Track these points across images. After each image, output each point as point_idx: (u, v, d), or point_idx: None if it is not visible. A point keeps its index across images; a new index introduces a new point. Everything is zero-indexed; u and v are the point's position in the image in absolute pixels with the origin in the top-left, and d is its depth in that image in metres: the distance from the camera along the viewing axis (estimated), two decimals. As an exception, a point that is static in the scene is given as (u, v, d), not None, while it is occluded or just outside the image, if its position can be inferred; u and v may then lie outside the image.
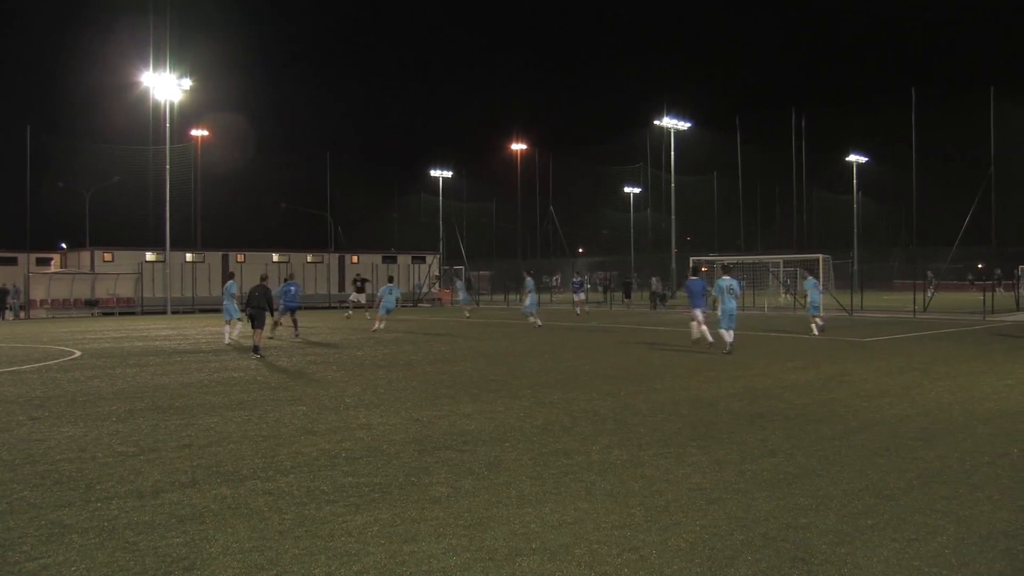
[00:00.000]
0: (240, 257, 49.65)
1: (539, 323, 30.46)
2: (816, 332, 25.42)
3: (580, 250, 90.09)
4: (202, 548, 6.02)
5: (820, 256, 41.56)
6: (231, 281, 25.73)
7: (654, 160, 72.22)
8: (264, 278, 22.13)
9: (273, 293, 22.67)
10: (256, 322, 20.84)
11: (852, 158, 71.28)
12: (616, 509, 6.92)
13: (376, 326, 28.91)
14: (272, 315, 22.84)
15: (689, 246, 72.60)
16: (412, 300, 54.41)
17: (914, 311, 35.54)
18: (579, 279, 43.58)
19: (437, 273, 60.54)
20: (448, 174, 77.53)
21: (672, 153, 59.50)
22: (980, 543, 6.06)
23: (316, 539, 6.22)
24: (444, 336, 27.02)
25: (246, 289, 24.48)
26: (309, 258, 54.20)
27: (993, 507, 6.96)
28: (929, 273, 53.18)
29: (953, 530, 6.34)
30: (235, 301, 24.89)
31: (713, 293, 21.33)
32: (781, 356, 19.66)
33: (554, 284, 72.19)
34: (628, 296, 51.16)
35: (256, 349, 20.53)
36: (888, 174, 67.62)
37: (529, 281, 32.56)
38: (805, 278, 30.98)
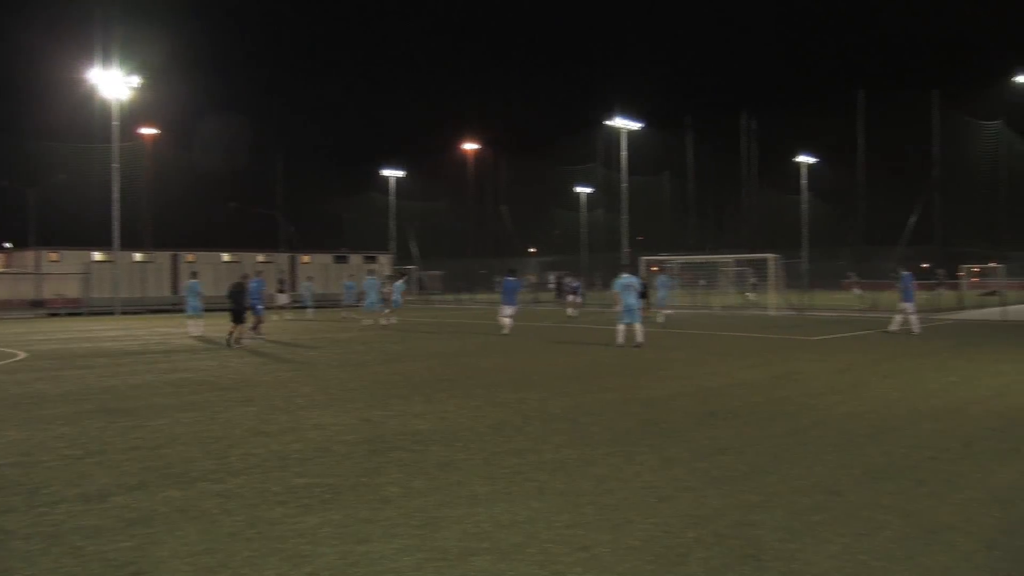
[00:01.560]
0: (190, 257, 49.08)
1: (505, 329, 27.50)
2: (655, 323, 27.83)
3: (532, 249, 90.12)
4: (150, 552, 5.95)
5: (770, 256, 41.98)
6: (195, 280, 27.55)
7: (606, 160, 72.51)
8: (244, 276, 24.84)
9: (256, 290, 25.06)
10: (235, 317, 23.34)
11: (801, 159, 72.15)
12: (568, 508, 6.95)
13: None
14: (249, 312, 24.45)
15: (641, 246, 72.97)
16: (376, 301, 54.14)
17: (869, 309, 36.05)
18: (576, 283, 43.34)
19: (388, 273, 60.39)
20: (400, 174, 77.21)
21: (624, 153, 59.75)
22: (924, 536, 6.18)
23: (267, 541, 6.17)
24: (396, 336, 26.93)
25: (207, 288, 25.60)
26: (260, 258, 53.70)
27: (937, 501, 7.10)
28: (852, 274, 54.02)
29: (899, 524, 6.46)
30: (199, 299, 26.80)
31: (614, 289, 22.07)
32: (732, 355, 19.86)
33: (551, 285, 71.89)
34: (561, 296, 51.55)
35: (236, 341, 23.04)
36: (836, 175, 68.50)
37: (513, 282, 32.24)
38: (657, 276, 32.65)
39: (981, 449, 9.19)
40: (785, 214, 74.62)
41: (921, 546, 5.97)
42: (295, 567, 5.64)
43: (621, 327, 21.88)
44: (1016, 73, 44.70)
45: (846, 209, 70.23)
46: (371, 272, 34.14)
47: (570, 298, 39.95)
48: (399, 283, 35.98)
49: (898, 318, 26.39)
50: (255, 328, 25.82)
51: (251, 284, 25.58)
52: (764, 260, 42.42)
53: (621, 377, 15.79)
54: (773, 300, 40.38)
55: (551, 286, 53.59)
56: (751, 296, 45.12)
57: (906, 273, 26.39)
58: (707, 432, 10.20)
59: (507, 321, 26.78)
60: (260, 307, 25.68)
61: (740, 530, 6.32)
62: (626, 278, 22.06)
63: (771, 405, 12.33)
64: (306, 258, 55.82)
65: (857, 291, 46.88)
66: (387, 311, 32.56)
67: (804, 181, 70.99)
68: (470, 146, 77.69)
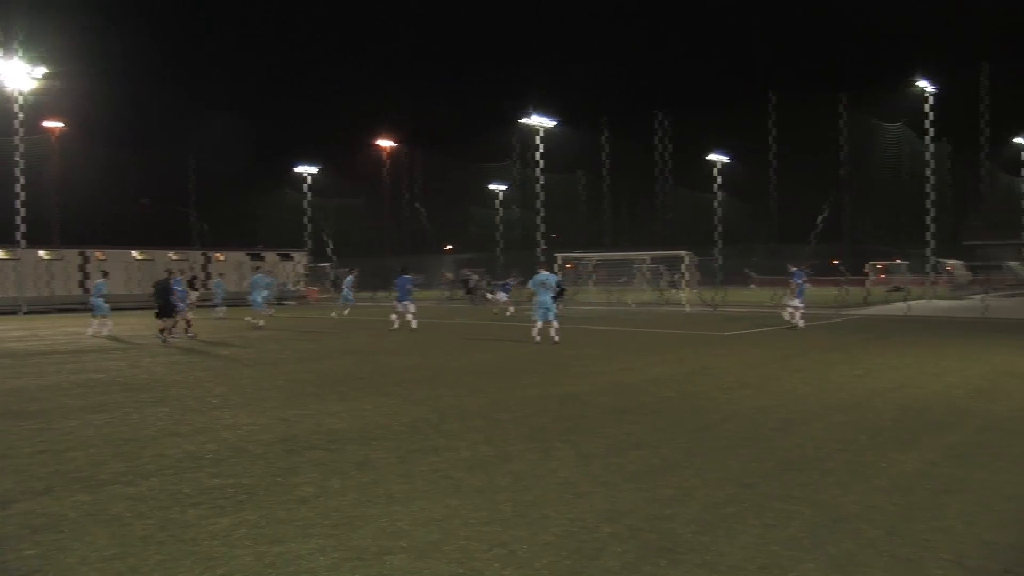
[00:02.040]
0: (100, 255, 47.71)
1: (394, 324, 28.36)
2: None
3: (447, 247, 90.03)
4: (57, 559, 5.79)
5: (684, 253, 42.59)
6: (101, 280, 27.16)
7: (522, 158, 72.79)
8: (169, 272, 25.35)
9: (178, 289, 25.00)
10: (161, 312, 23.99)
11: (714, 157, 73.25)
12: (485, 505, 6.97)
13: (260, 323, 30.37)
14: (174, 309, 24.56)
15: (556, 243, 73.34)
16: (279, 298, 53.62)
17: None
18: (506, 282, 43.30)
19: (303, 271, 59.80)
20: (315, 171, 76.34)
21: (539, 151, 60.05)
22: (831, 525, 6.35)
23: (180, 543, 6.06)
24: (311, 334, 26.67)
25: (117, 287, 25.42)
26: (172, 255, 52.48)
27: (843, 491, 7.30)
28: (751, 272, 55.24)
29: (808, 514, 6.62)
30: (104, 300, 26.53)
31: (530, 287, 22.36)
32: (646, 351, 20.12)
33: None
34: (468, 293, 51.76)
35: (170, 335, 23.89)
36: (749, 174, 69.76)
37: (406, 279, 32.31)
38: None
39: (885, 439, 9.47)
40: (700, 212, 75.78)
41: (828, 534, 6.13)
42: (209, 569, 5.55)
43: (537, 324, 21.97)
44: (917, 78, 46.16)
45: (759, 207, 71.69)
46: (259, 269, 33.60)
47: (500, 296, 39.78)
48: (349, 278, 36.81)
49: (786, 311, 27.21)
50: (186, 327, 25.49)
51: (175, 282, 25.12)
52: (678, 257, 43.01)
53: (537, 374, 15.86)
54: (687, 296, 40.99)
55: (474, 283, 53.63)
56: (676, 293, 45.71)
57: (797, 270, 27.21)
58: (623, 427, 10.32)
59: (397, 317, 27.87)
60: (181, 305, 25.17)
61: (655, 524, 6.41)
62: (543, 275, 22.17)
63: (685, 400, 12.52)
64: (219, 255, 54.80)
65: (755, 287, 47.87)
66: (342, 307, 33.08)
67: (718, 179, 72.08)
68: (386, 143, 77.31)
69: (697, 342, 22.53)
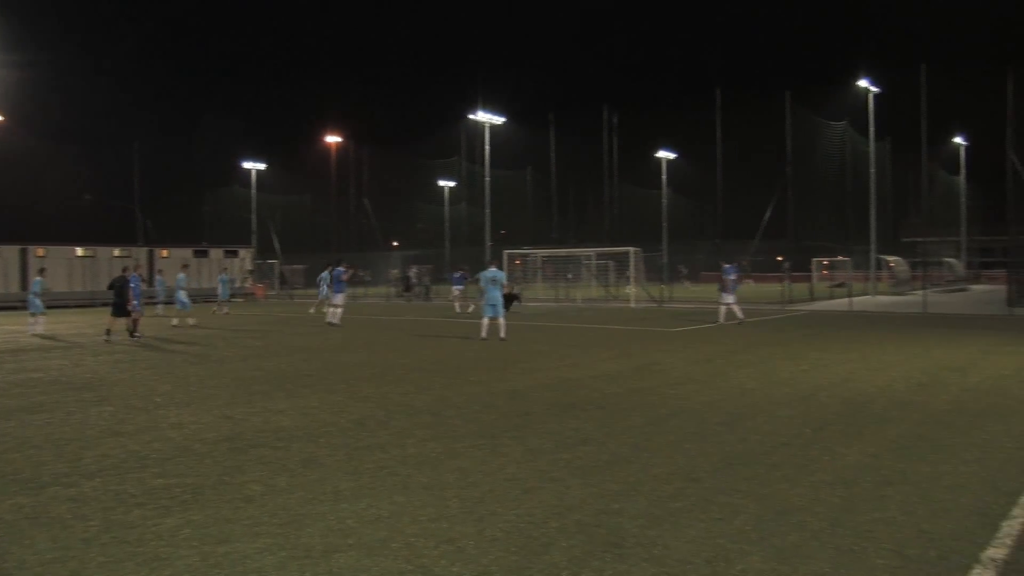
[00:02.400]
0: (40, 251, 46.74)
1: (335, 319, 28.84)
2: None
3: (394, 243, 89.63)
4: (-8, 561, 5.68)
5: (631, 249, 42.79)
6: (38, 278, 27.01)
7: (469, 154, 72.63)
8: (125, 269, 24.93)
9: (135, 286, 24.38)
10: (116, 310, 23.70)
11: (661, 155, 73.73)
12: (432, 502, 6.95)
13: (193, 321, 30.39)
14: (130, 308, 24.05)
15: (504, 240, 73.33)
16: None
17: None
18: (459, 274, 43.13)
19: (250, 267, 59.28)
20: (261, 167, 75.51)
21: (487, 147, 59.99)
22: (777, 518, 6.42)
23: (124, 545, 5.96)
24: (256, 332, 26.42)
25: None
26: (116, 252, 51.48)
27: (789, 484, 7.38)
28: (682, 268, 55.71)
29: (754, 508, 6.69)
30: (40, 298, 26.48)
31: (480, 284, 22.53)
32: (593, 346, 20.21)
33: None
34: (408, 290, 51.80)
35: (131, 334, 23.61)
36: (696, 171, 70.31)
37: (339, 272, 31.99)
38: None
39: (829, 433, 9.60)
40: (647, 209, 76.26)
41: (774, 527, 6.20)
42: (153, 571, 5.46)
43: (485, 320, 21.99)
44: (859, 77, 46.87)
45: (705, 204, 72.35)
46: (184, 268, 33.24)
47: (456, 291, 39.23)
48: (324, 273, 36.65)
49: (723, 309, 27.60)
50: (134, 325, 24.57)
51: (131, 278, 24.60)
52: (626, 253, 43.22)
53: (485, 370, 15.86)
54: (634, 293, 41.23)
55: (414, 279, 53.47)
56: (630, 289, 45.92)
57: (728, 266, 27.71)
58: (570, 423, 10.35)
59: (331, 311, 28.62)
60: (136, 303, 24.57)
61: (602, 519, 6.44)
62: (492, 272, 22.22)
63: (632, 396, 12.58)
64: (164, 252, 54.01)
65: (687, 284, 48.27)
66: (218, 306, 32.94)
67: (664, 176, 72.63)
68: (332, 140, 76.75)
69: (644, 338, 22.67)
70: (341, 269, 29.03)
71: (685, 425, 10.20)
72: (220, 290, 37.75)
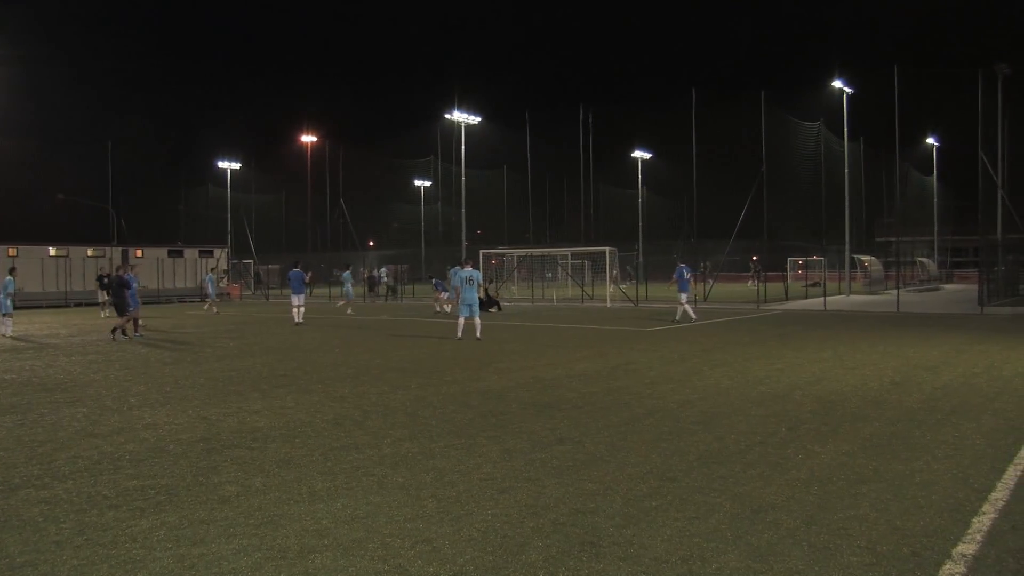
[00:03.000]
0: (12, 251, 46.32)
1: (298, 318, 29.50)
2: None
3: (370, 243, 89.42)
4: (-38, 564, 5.63)
5: (607, 248, 42.92)
6: (9, 278, 26.91)
7: (445, 154, 72.43)
8: (118, 268, 25.58)
9: (135, 284, 24.58)
10: (118, 310, 24.15)
11: (637, 154, 73.92)
12: (408, 502, 6.96)
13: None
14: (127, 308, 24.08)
15: (480, 239, 73.27)
16: (201, 294, 52.96)
17: (695, 300, 37.29)
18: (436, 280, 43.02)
19: (225, 267, 59.08)
20: (236, 166, 75.05)
21: (463, 147, 59.91)
22: (752, 516, 6.46)
23: (97, 547, 5.92)
24: (231, 332, 26.30)
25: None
26: (90, 252, 51.08)
27: (764, 483, 7.43)
28: (706, 263, 55.96)
29: (729, 506, 6.73)
30: (10, 298, 26.41)
31: (453, 283, 22.66)
32: (569, 346, 20.24)
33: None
34: (372, 290, 51.90)
35: (123, 331, 23.66)
36: (672, 170, 70.50)
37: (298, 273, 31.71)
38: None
39: (804, 432, 9.66)
40: (623, 208, 76.47)
41: (749, 526, 6.24)
42: (128, 573, 5.43)
43: (461, 320, 22.02)
44: (833, 78, 47.18)
45: (681, 204, 72.54)
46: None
47: (444, 295, 38.93)
48: (347, 273, 39.42)
49: (680, 308, 27.98)
50: (122, 327, 24.08)
51: (129, 278, 24.24)
52: (602, 253, 43.33)
53: (460, 370, 15.86)
54: (609, 292, 41.32)
55: (384, 278, 53.46)
56: (618, 287, 45.97)
57: (682, 265, 28.47)
58: (546, 423, 10.37)
59: (295, 311, 29.18)
60: (133, 305, 24.13)
61: (578, 518, 6.46)
62: (468, 271, 22.24)
63: (608, 395, 12.62)
64: (139, 252, 53.61)
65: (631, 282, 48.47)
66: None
67: (640, 175, 72.84)
68: (308, 138, 76.50)
69: (620, 337, 22.73)
70: (299, 271, 29.97)
71: (661, 424, 10.24)
72: (209, 289, 38.01)
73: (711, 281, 47.45)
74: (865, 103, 51.02)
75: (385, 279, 52.84)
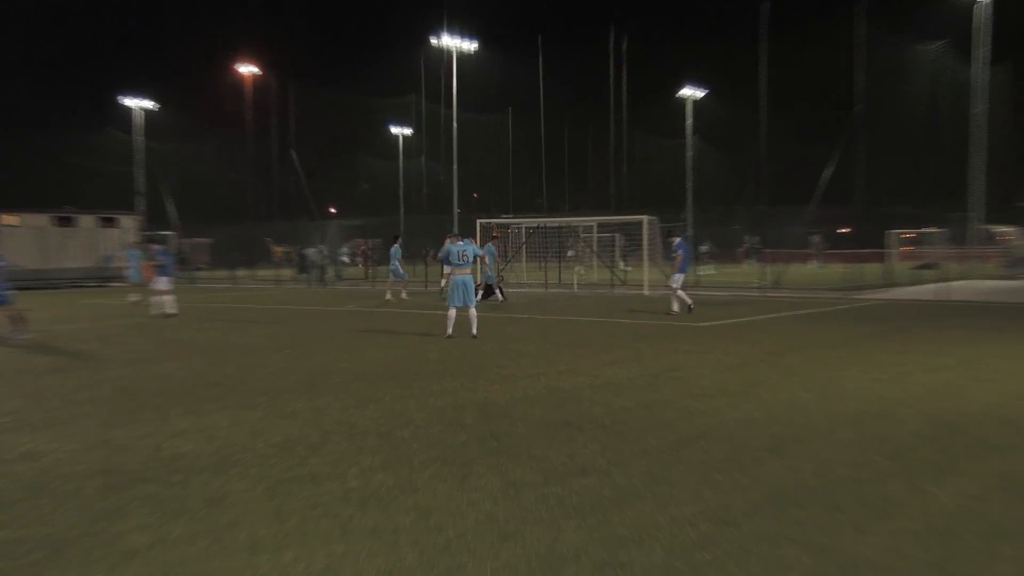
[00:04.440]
0: None
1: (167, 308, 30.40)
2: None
3: (332, 209, 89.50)
4: None
5: (644, 218, 42.73)
6: None
7: (431, 92, 72.31)
8: None
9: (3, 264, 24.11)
10: None
11: (686, 92, 73.27)
12: (382, 551, 6.96)
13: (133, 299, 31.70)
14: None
15: (476, 205, 73.18)
16: (101, 277, 53.03)
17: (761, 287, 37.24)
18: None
19: (136, 239, 59.10)
20: (149, 105, 74.79)
21: (454, 82, 59.76)
22: (840, 576, 6.44)
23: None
24: (145, 327, 26.32)
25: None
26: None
27: (856, 532, 7.40)
28: (816, 238, 55.28)
29: (809, 562, 6.71)
30: None
31: (439, 257, 22.78)
32: (593, 346, 20.22)
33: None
34: (304, 271, 52.21)
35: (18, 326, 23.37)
36: (732, 114, 69.94)
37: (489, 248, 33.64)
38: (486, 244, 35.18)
39: (913, 464, 9.62)
40: (667, 164, 76.06)
41: (835, 588, 6.22)
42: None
43: (452, 312, 22.03)
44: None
45: (744, 158, 72.07)
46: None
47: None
48: (395, 248, 39.26)
49: (676, 300, 28.02)
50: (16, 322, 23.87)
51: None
52: (638, 223, 43.18)
53: (451, 377, 15.86)
54: (648, 275, 41.22)
55: (348, 257, 53.61)
56: (626, 270, 46.01)
57: (678, 239, 28.41)
58: (563, 447, 10.36)
59: (158, 299, 29.90)
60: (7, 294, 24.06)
61: (606, 573, 6.45)
62: (461, 245, 22.39)
63: (645, 411, 12.60)
64: (11, 218, 53.24)
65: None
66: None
67: (690, 121, 72.17)
68: (247, 70, 76.31)
69: (661, 334, 22.69)
70: (160, 247, 31.74)
71: (715, 450, 10.22)
72: (131, 271, 37.05)
73: (755, 260, 47.04)
74: (1012, 14, 49.52)
75: (319, 258, 52.97)
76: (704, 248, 54.96)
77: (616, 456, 9.95)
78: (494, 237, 39.98)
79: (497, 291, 34.60)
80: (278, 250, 66.57)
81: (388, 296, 37.54)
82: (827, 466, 9.47)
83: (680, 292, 28.15)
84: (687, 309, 27.82)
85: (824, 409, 12.69)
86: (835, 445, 10.48)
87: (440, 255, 22.38)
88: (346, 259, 53.78)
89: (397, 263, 38.46)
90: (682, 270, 28.26)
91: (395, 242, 39.64)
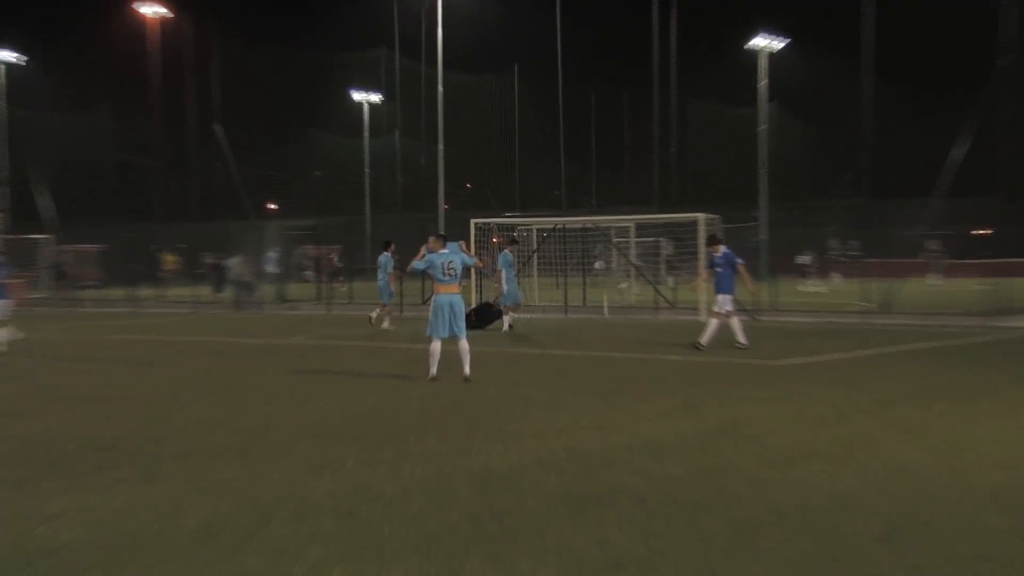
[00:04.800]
0: None
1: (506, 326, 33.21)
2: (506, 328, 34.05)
3: (270, 206, 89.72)
4: None
5: (700, 216, 42.75)
6: None
7: (408, 45, 72.37)
8: None
9: None
10: None
11: (759, 42, 72.58)
12: None
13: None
14: None
15: (469, 199, 73.24)
16: None
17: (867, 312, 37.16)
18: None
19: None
20: (12, 58, 74.67)
21: (439, 30, 59.76)
22: None
23: None
24: (9, 366, 26.32)
25: None
26: None
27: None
28: (932, 244, 55.25)
29: None
30: None
31: (414, 268, 22.95)
32: (630, 392, 20.18)
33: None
34: (219, 289, 52.58)
35: None
36: (820, 74, 69.74)
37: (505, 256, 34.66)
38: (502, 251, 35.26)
39: (1085, 560, 9.52)
40: (728, 143, 75.90)
41: None
42: None
43: (435, 346, 22.01)
44: None
45: (839, 134, 71.97)
46: None
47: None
48: None
49: (714, 324, 27.98)
50: None
51: None
52: (691, 224, 43.22)
53: (437, 435, 15.82)
54: (706, 294, 41.21)
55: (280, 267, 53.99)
56: (673, 288, 46.09)
57: (723, 252, 28.18)
58: (590, 531, 10.32)
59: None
60: None
61: None
62: (447, 254, 22.33)
63: (702, 481, 12.55)
64: None
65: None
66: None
67: (763, 82, 71.84)
68: (151, 10, 76.46)
69: (722, 376, 22.65)
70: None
71: (802, 539, 10.14)
72: None
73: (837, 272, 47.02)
74: None
75: (239, 273, 53.18)
76: (805, 259, 55.11)
77: (663, 544, 9.89)
78: (514, 242, 39.88)
79: (504, 318, 34.69)
80: (170, 259, 66.63)
81: (386, 324, 37.73)
82: (964, 563, 9.39)
83: (734, 320, 28.25)
84: (739, 344, 27.97)
85: (956, 483, 12.58)
86: (974, 532, 10.39)
87: (417, 266, 22.13)
88: (273, 268, 53.87)
89: (387, 279, 38.42)
90: (728, 290, 28.27)
91: (386, 250, 39.57)
